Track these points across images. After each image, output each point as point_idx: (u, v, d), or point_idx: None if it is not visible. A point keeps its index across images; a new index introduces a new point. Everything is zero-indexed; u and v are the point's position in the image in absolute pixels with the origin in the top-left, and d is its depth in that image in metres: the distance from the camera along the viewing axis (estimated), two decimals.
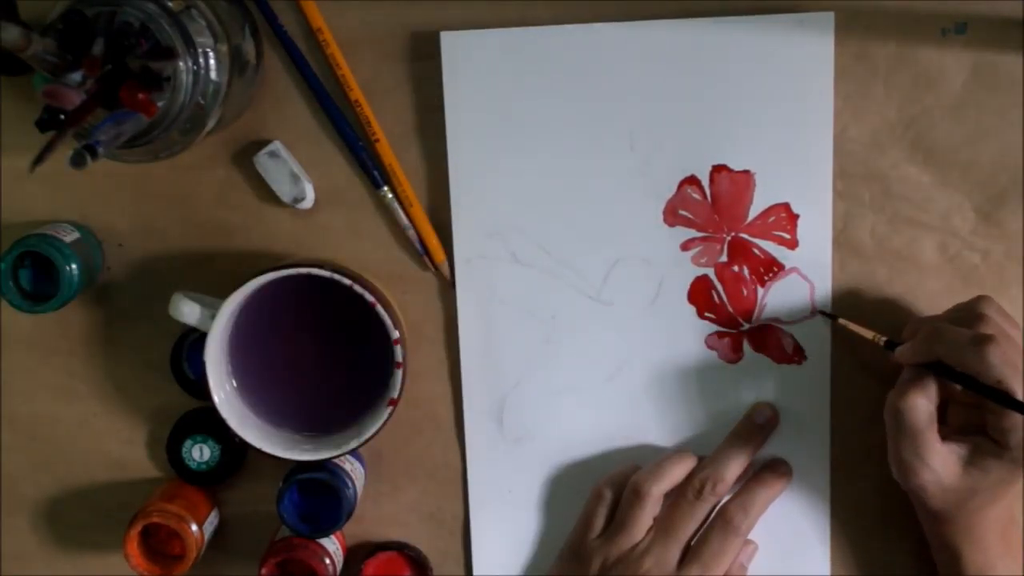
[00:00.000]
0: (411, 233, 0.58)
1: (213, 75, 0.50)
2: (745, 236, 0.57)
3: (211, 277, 0.59)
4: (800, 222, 0.57)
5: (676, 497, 0.56)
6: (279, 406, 0.57)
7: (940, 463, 0.50)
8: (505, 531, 0.60)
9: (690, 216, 0.57)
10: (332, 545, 0.59)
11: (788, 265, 0.57)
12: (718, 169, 0.57)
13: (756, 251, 0.57)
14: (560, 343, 0.58)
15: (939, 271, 0.57)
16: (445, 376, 0.59)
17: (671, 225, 0.57)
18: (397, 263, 0.59)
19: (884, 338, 0.54)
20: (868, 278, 0.57)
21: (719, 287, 0.58)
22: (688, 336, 0.58)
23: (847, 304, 0.57)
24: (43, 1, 0.49)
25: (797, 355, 0.58)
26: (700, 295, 0.58)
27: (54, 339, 0.60)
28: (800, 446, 0.58)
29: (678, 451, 0.58)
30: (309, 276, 0.53)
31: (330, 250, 0.58)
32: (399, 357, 0.54)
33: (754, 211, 0.57)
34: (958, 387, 0.50)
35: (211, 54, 0.50)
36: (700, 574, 0.55)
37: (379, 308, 0.53)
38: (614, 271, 0.58)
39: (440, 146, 0.57)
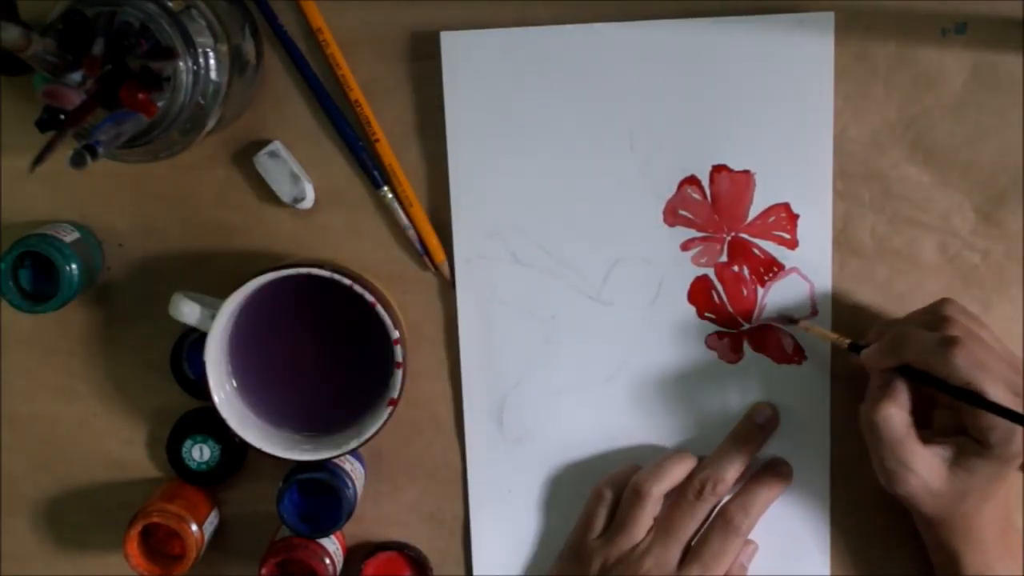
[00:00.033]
0: (411, 233, 0.58)
1: (213, 75, 0.50)
2: (745, 236, 0.57)
3: (211, 277, 0.59)
4: (800, 222, 0.57)
5: (676, 497, 0.56)
6: (279, 406, 0.57)
7: (925, 468, 0.50)
8: (505, 531, 0.60)
9: (690, 216, 0.57)
10: (332, 545, 0.59)
11: (788, 265, 0.57)
12: (718, 169, 0.57)
13: (756, 251, 0.57)
14: (560, 343, 0.58)
15: (939, 271, 0.57)
16: (445, 376, 0.59)
17: (671, 225, 0.57)
18: (397, 263, 0.59)
19: (848, 340, 0.54)
20: (868, 278, 0.57)
21: (719, 287, 0.58)
22: (688, 336, 0.58)
23: (847, 304, 0.57)
24: (43, 1, 0.49)
25: (797, 355, 0.58)
26: (700, 295, 0.58)
27: (54, 339, 0.60)
28: (800, 446, 0.58)
29: (678, 451, 0.58)
30: (309, 276, 0.53)
31: (330, 250, 0.58)
32: (399, 357, 0.54)
33: (754, 211, 0.57)
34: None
35: (211, 54, 0.50)
36: (700, 574, 0.55)
37: (379, 308, 0.53)
38: (614, 271, 0.58)
39: (440, 146, 0.57)
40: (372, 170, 0.57)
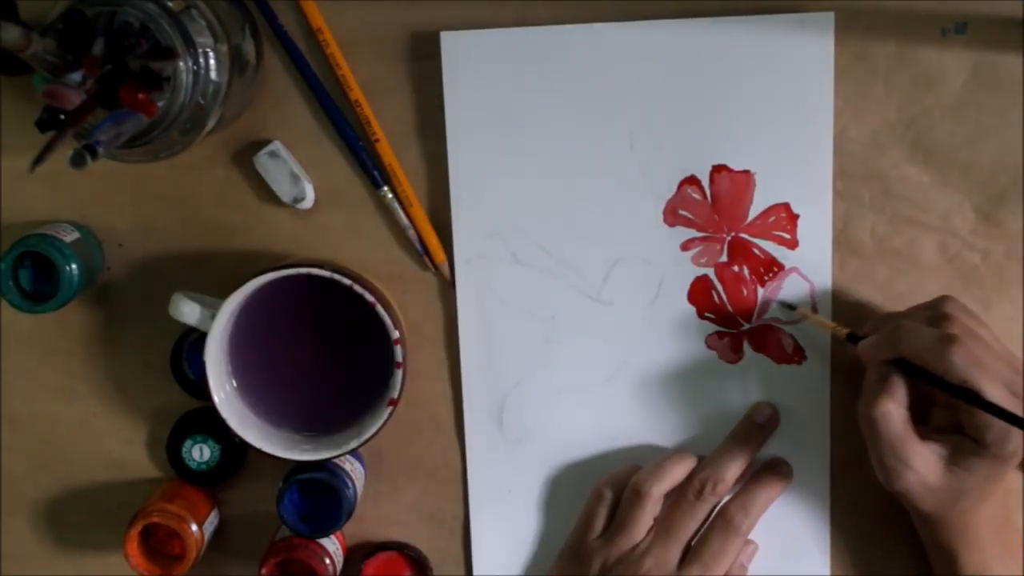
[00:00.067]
0: (411, 233, 0.58)
1: (213, 75, 0.50)
2: (745, 236, 0.57)
3: (211, 277, 0.59)
4: (800, 222, 0.57)
5: (676, 497, 0.56)
6: (279, 406, 0.57)
7: (922, 464, 0.50)
8: (505, 531, 0.60)
9: (690, 216, 0.57)
10: (332, 545, 0.59)
11: (788, 265, 0.57)
12: (718, 169, 0.57)
13: (756, 251, 0.57)
14: (560, 343, 0.58)
15: (939, 271, 0.57)
16: (445, 376, 0.59)
17: (671, 225, 0.57)
18: (397, 263, 0.59)
19: (846, 331, 0.54)
20: (868, 278, 0.57)
21: (719, 287, 0.58)
22: (688, 336, 0.58)
23: (847, 304, 0.57)
24: (43, 1, 0.49)
25: (797, 355, 0.58)
26: (700, 295, 0.58)
27: (54, 339, 0.60)
28: (800, 446, 0.58)
29: (678, 451, 0.58)
30: (309, 276, 0.53)
31: (330, 250, 0.58)
32: (399, 357, 0.54)
33: (754, 211, 0.57)
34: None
35: (211, 54, 0.50)
36: (700, 574, 0.55)
37: (379, 308, 0.53)
38: (614, 271, 0.58)
39: (440, 146, 0.57)
40: (372, 170, 0.57)
